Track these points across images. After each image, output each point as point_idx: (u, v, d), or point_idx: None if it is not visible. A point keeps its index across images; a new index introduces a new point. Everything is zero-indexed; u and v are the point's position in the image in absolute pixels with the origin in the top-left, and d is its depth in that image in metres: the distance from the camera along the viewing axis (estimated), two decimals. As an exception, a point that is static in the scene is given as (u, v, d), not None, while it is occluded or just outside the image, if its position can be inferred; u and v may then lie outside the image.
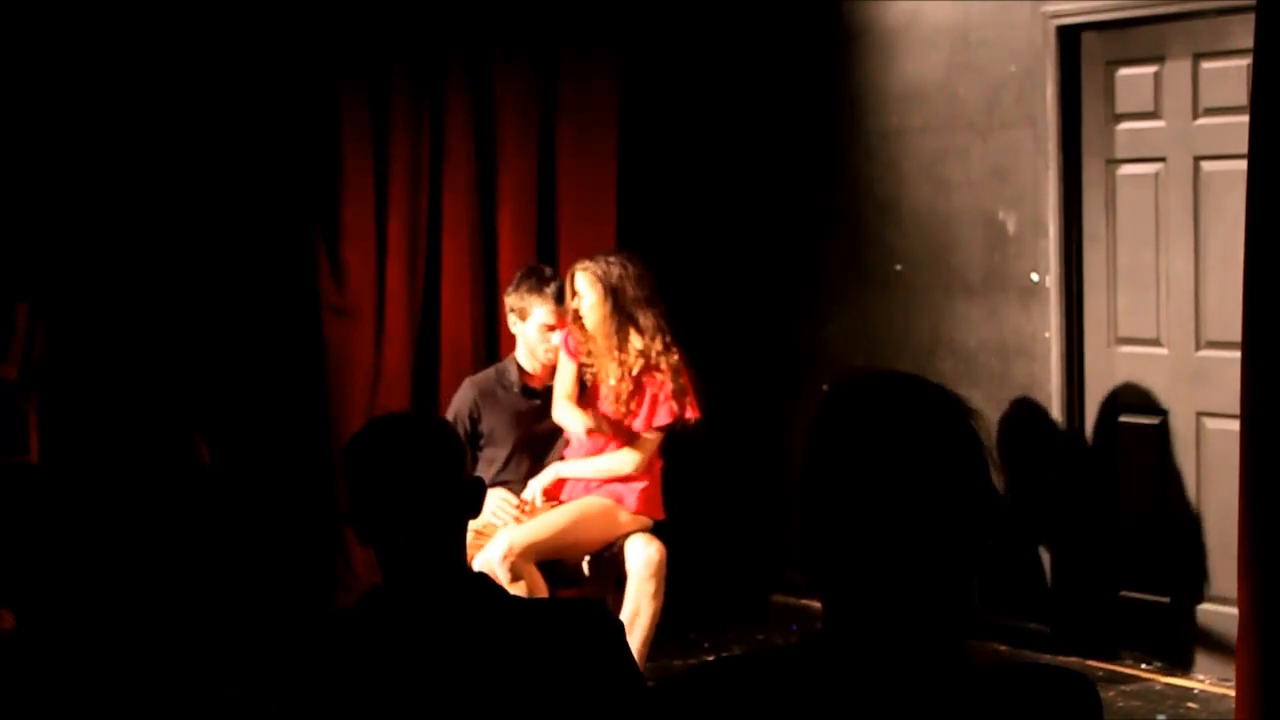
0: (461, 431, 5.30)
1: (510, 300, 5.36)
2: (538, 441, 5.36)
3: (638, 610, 5.05)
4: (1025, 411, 5.79)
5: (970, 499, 1.62)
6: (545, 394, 5.33)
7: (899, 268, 6.15)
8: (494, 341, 6.13)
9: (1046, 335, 5.73)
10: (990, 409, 5.77)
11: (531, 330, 5.29)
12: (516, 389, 5.36)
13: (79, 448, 5.30)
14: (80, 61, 5.31)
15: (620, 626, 2.42)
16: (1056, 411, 5.72)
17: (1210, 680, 5.37)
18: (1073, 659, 5.59)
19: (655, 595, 5.06)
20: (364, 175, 5.88)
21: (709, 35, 6.51)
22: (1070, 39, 5.62)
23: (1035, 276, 5.76)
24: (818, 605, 1.67)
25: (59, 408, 5.34)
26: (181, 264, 5.55)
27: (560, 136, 6.19)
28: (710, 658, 5.61)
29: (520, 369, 5.38)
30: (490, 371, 5.50)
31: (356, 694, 2.26)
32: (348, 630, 2.35)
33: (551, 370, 5.31)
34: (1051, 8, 5.61)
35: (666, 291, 6.53)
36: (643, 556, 5.07)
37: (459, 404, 5.39)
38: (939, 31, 5.95)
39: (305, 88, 5.77)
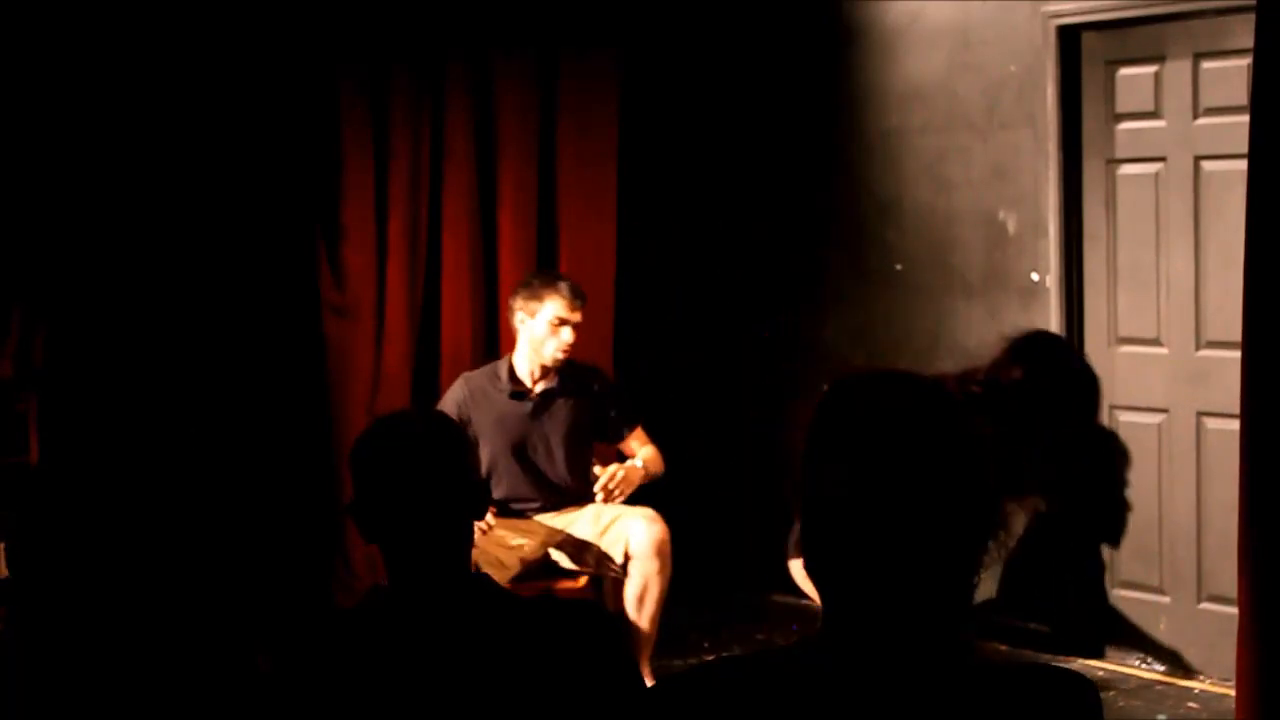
0: None
1: (518, 298, 5.28)
2: (522, 446, 5.30)
3: (646, 587, 5.07)
4: (1025, 411, 5.79)
5: (970, 498, 1.62)
6: (535, 398, 5.28)
7: (899, 267, 6.15)
8: (494, 341, 6.13)
9: (1046, 335, 5.73)
10: (990, 409, 5.77)
11: (540, 325, 5.20)
12: (506, 391, 5.29)
13: (78, 448, 5.30)
14: (80, 62, 5.31)
15: (619, 626, 2.42)
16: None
17: (1210, 680, 5.38)
18: (1073, 659, 5.60)
19: (661, 571, 5.09)
20: (364, 175, 5.88)
21: (709, 35, 6.51)
22: (1070, 39, 5.62)
23: (1035, 276, 5.76)
24: (818, 605, 1.67)
25: (58, 408, 5.33)
26: (181, 264, 5.54)
27: (560, 136, 6.19)
28: (710, 658, 5.62)
29: (512, 371, 5.31)
30: (486, 369, 5.45)
31: (358, 694, 2.26)
32: (350, 630, 2.35)
33: (550, 370, 5.27)
34: (1051, 8, 5.61)
35: (665, 291, 6.56)
36: (647, 535, 5.09)
37: (449, 399, 5.33)
38: (939, 31, 5.96)
39: (306, 88, 5.77)
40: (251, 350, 5.70)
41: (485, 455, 5.26)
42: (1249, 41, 3.63)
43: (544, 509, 5.29)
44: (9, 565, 2.75)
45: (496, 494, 5.20)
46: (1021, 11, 5.71)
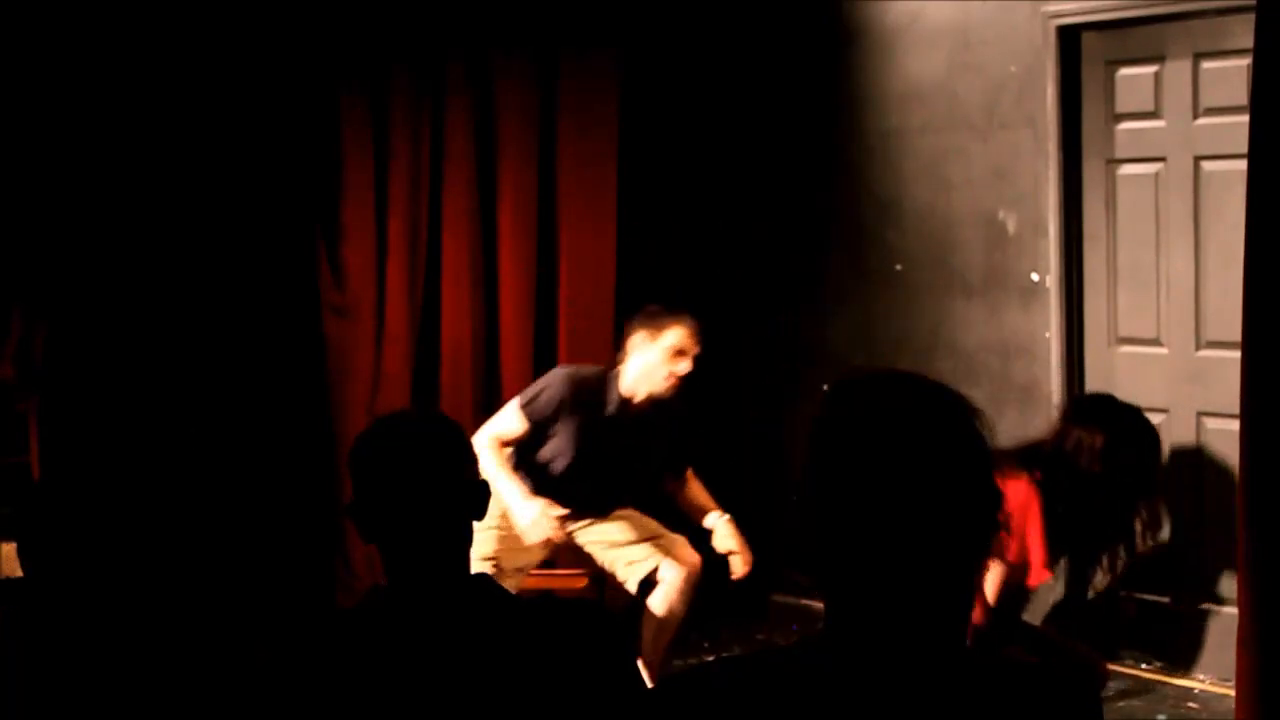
0: (538, 416, 5.05)
1: (638, 323, 5.11)
2: (598, 464, 5.14)
3: (669, 612, 5.07)
4: (1025, 411, 5.79)
5: (974, 498, 1.62)
6: (631, 425, 5.11)
7: (899, 268, 6.15)
8: (494, 341, 6.13)
9: (1046, 335, 5.73)
10: (990, 409, 5.73)
11: (658, 352, 5.02)
12: (611, 409, 5.09)
13: (79, 448, 5.30)
14: (80, 60, 5.31)
15: (620, 626, 2.42)
16: (1056, 411, 5.71)
17: (1210, 680, 5.38)
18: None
19: (685, 602, 5.09)
20: (364, 175, 5.88)
21: (709, 36, 6.51)
22: (1070, 39, 5.62)
23: (1035, 276, 5.76)
24: (818, 605, 1.67)
25: (58, 408, 5.33)
26: (182, 264, 5.54)
27: (560, 136, 6.19)
28: (710, 658, 5.62)
29: (619, 392, 5.10)
30: (594, 377, 5.15)
31: (358, 694, 2.26)
32: (350, 630, 2.35)
33: (653, 399, 5.08)
34: (1051, 8, 5.61)
35: (666, 292, 6.55)
36: (683, 564, 5.09)
37: (553, 392, 5.07)
38: (939, 31, 5.96)
39: (306, 88, 5.77)
40: (251, 350, 5.70)
41: (551, 450, 5.09)
42: (1249, 41, 3.63)
43: (577, 518, 5.22)
44: (23, 565, 2.75)
45: (544, 490, 5.08)
46: (1021, 11, 5.71)
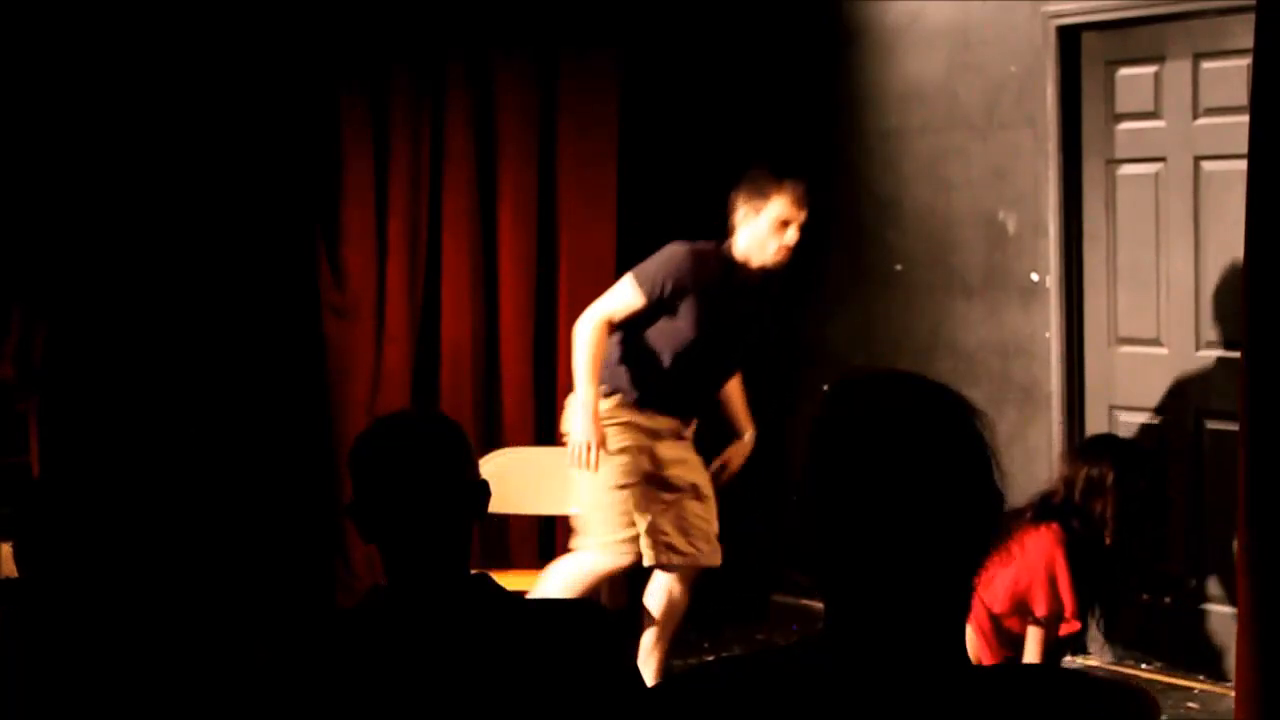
0: (658, 293, 4.87)
1: (742, 194, 4.94)
2: (712, 346, 4.95)
3: (677, 605, 5.07)
4: (1025, 411, 5.79)
5: (975, 499, 1.62)
6: (747, 301, 4.98)
7: (899, 267, 6.15)
8: (494, 341, 6.13)
9: (1046, 335, 5.73)
10: (990, 409, 5.73)
11: (764, 223, 4.88)
12: (733, 287, 4.93)
13: (79, 448, 5.30)
14: (80, 61, 5.31)
15: (620, 626, 2.42)
16: (1056, 411, 5.72)
17: (1210, 680, 5.38)
18: (1073, 660, 5.59)
19: (689, 594, 5.11)
20: (364, 175, 5.88)
21: (709, 35, 6.50)
22: (1070, 39, 5.62)
23: (1035, 276, 5.76)
24: (818, 605, 1.67)
25: (58, 408, 5.33)
26: (182, 264, 5.54)
27: (560, 136, 6.19)
28: (710, 658, 5.62)
29: (735, 266, 4.94)
30: (714, 253, 4.94)
31: (358, 694, 2.26)
32: (349, 630, 2.35)
33: (761, 272, 4.94)
34: (1051, 8, 5.61)
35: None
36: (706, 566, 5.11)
37: (675, 265, 4.88)
38: (939, 31, 5.96)
39: (306, 88, 5.77)
40: (251, 350, 5.70)
41: (668, 330, 4.91)
42: (1249, 41, 3.63)
43: (679, 417, 5.04)
44: (19, 565, 2.74)
45: (649, 380, 4.92)
46: (1021, 11, 5.71)
